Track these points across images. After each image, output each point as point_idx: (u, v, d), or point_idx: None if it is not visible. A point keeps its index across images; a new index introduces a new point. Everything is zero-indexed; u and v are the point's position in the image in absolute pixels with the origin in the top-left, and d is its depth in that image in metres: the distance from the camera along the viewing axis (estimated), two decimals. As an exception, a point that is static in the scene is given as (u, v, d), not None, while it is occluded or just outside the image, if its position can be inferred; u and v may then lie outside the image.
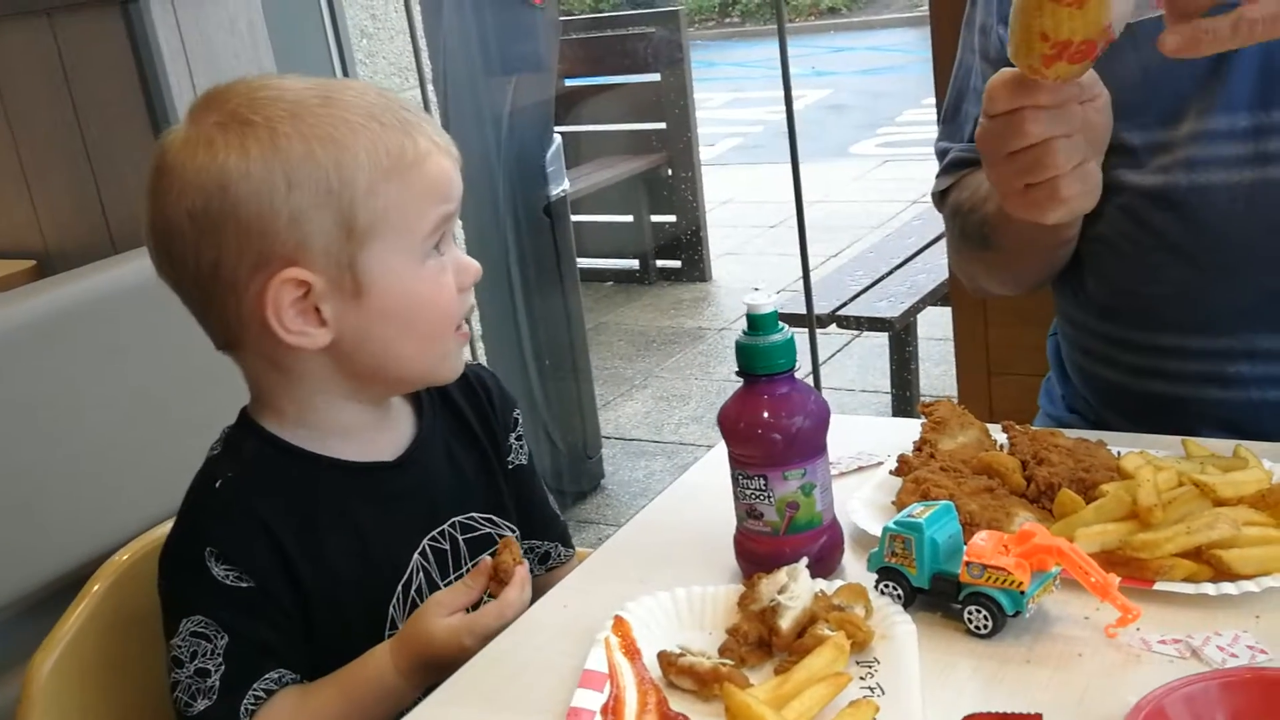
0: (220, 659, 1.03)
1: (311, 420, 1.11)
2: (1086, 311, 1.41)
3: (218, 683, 1.02)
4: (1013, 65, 1.03)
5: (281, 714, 1.03)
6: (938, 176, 1.48)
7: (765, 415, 1.01)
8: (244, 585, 1.04)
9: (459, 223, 2.94)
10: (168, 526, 1.20)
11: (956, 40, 1.49)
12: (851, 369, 4.42)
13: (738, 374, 1.03)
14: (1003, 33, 1.37)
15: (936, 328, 4.05)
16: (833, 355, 4.51)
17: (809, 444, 1.01)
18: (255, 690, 1.03)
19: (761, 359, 1.01)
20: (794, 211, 2.93)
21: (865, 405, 4.13)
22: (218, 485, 1.08)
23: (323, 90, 1.05)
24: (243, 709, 1.02)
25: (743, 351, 1.01)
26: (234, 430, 1.14)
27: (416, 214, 1.05)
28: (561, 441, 3.60)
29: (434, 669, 1.04)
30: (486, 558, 1.09)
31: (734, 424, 1.03)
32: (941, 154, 1.48)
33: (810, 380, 3.04)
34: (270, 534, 1.06)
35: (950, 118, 1.48)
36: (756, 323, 1.00)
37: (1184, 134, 1.23)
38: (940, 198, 1.48)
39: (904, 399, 3.45)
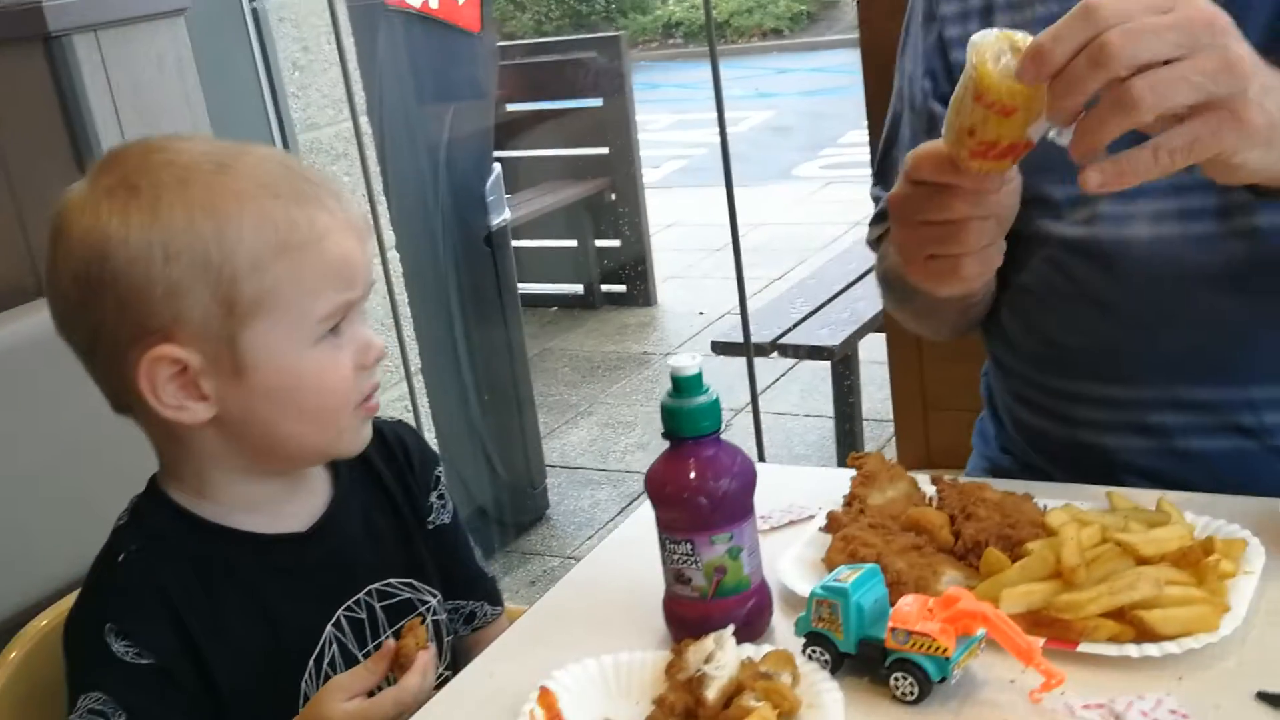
0: None
1: (212, 493, 1.08)
2: (1014, 358, 1.42)
3: None
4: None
5: None
6: (870, 225, 1.49)
7: (691, 478, 1.00)
8: (144, 663, 1.01)
9: (396, 256, 2.92)
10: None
11: (889, 69, 1.50)
12: (795, 394, 4.43)
13: (664, 436, 1.02)
14: (927, 85, 1.39)
15: (878, 351, 4.06)
16: (776, 380, 4.52)
17: (736, 507, 1.00)
18: None
19: (687, 422, 1.00)
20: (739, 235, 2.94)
21: (809, 429, 4.14)
22: (120, 560, 1.06)
23: (221, 157, 1.01)
24: None
25: (668, 414, 1.00)
26: (141, 499, 1.12)
27: (307, 296, 1.01)
28: (505, 472, 3.57)
29: None
30: (390, 640, 1.06)
31: (660, 488, 1.02)
32: (875, 199, 1.49)
33: (749, 409, 3.04)
34: (173, 610, 1.04)
35: (880, 165, 1.49)
36: (681, 385, 1.00)
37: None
38: (874, 245, 1.49)
39: (847, 428, 3.46)
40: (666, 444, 1.03)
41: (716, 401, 1.00)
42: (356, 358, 1.05)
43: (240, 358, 1.00)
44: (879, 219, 1.47)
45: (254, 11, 2.55)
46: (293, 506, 1.12)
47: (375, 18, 3.03)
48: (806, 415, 4.26)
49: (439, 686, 1.15)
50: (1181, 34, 0.88)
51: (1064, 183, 1.24)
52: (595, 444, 4.30)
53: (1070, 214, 1.28)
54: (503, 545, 3.56)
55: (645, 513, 1.29)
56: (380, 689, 1.05)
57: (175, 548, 1.07)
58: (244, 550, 1.08)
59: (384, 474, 1.20)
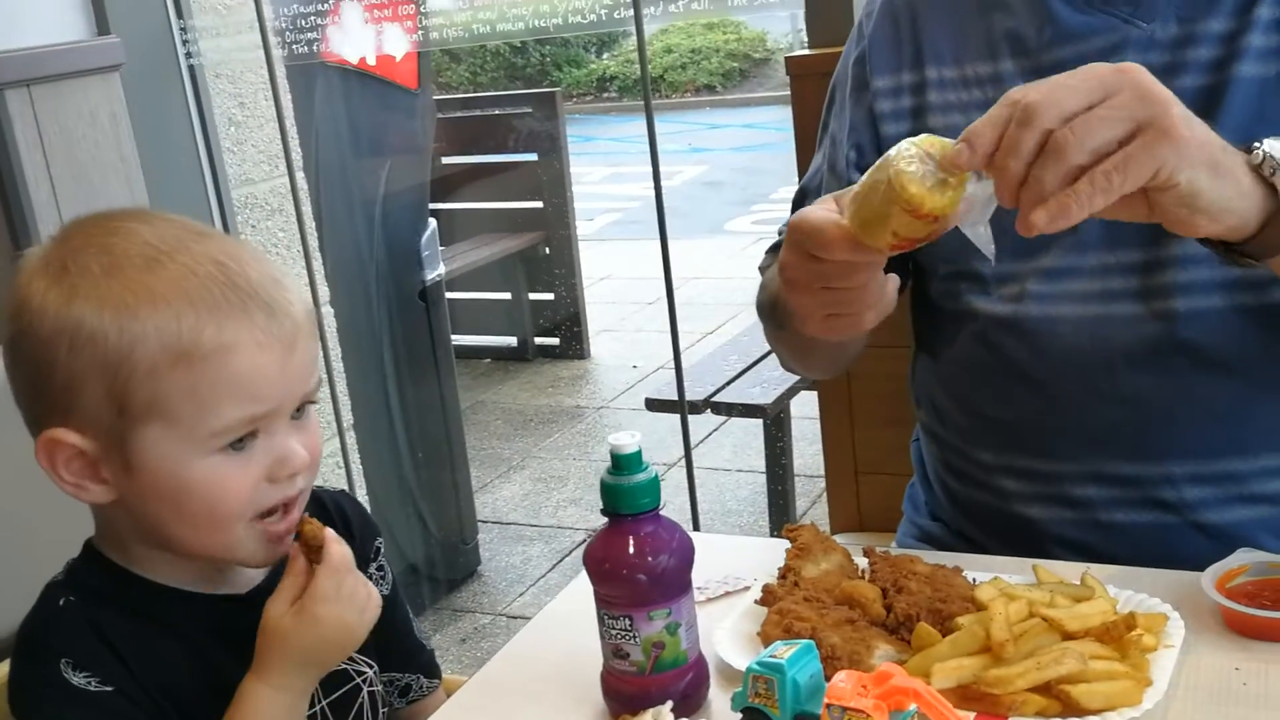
0: None
1: (144, 561, 1.08)
2: (943, 428, 1.45)
3: None
4: None
5: None
6: (765, 253, 1.52)
7: (630, 554, 1.01)
8: (107, 689, 1.01)
9: (330, 311, 2.90)
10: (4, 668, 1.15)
11: (817, 126, 1.53)
12: (727, 449, 4.46)
13: (603, 513, 1.03)
14: (852, 156, 1.42)
15: (810, 407, 4.11)
16: (709, 434, 4.55)
17: (674, 583, 1.02)
18: None
19: (626, 499, 1.01)
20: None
21: (741, 484, 4.17)
22: (61, 604, 1.05)
23: (159, 250, 0.99)
24: None
25: (607, 491, 1.02)
26: (76, 560, 1.11)
27: (202, 409, 0.98)
28: (436, 529, 3.55)
29: (303, 663, 1.03)
30: (294, 544, 1.04)
31: (599, 564, 1.03)
32: (780, 233, 1.52)
33: (684, 464, 3.06)
34: (117, 654, 1.03)
35: (794, 209, 1.50)
36: (621, 463, 1.01)
37: (1032, 268, 1.29)
38: (763, 272, 1.51)
39: (779, 488, 3.49)
40: (605, 519, 1.04)
41: (656, 478, 1.02)
42: (270, 470, 1.02)
43: (128, 457, 1.00)
44: (775, 249, 1.49)
45: (190, 67, 2.54)
46: (231, 573, 1.11)
47: (312, 74, 3.04)
48: (739, 470, 4.28)
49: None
50: (1094, 83, 0.94)
51: (993, 260, 1.28)
52: (528, 499, 4.28)
53: (998, 290, 1.32)
54: (433, 602, 3.53)
55: (582, 583, 1.30)
56: None
57: (113, 599, 1.06)
58: (182, 606, 1.08)
59: None
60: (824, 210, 1.06)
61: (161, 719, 1.04)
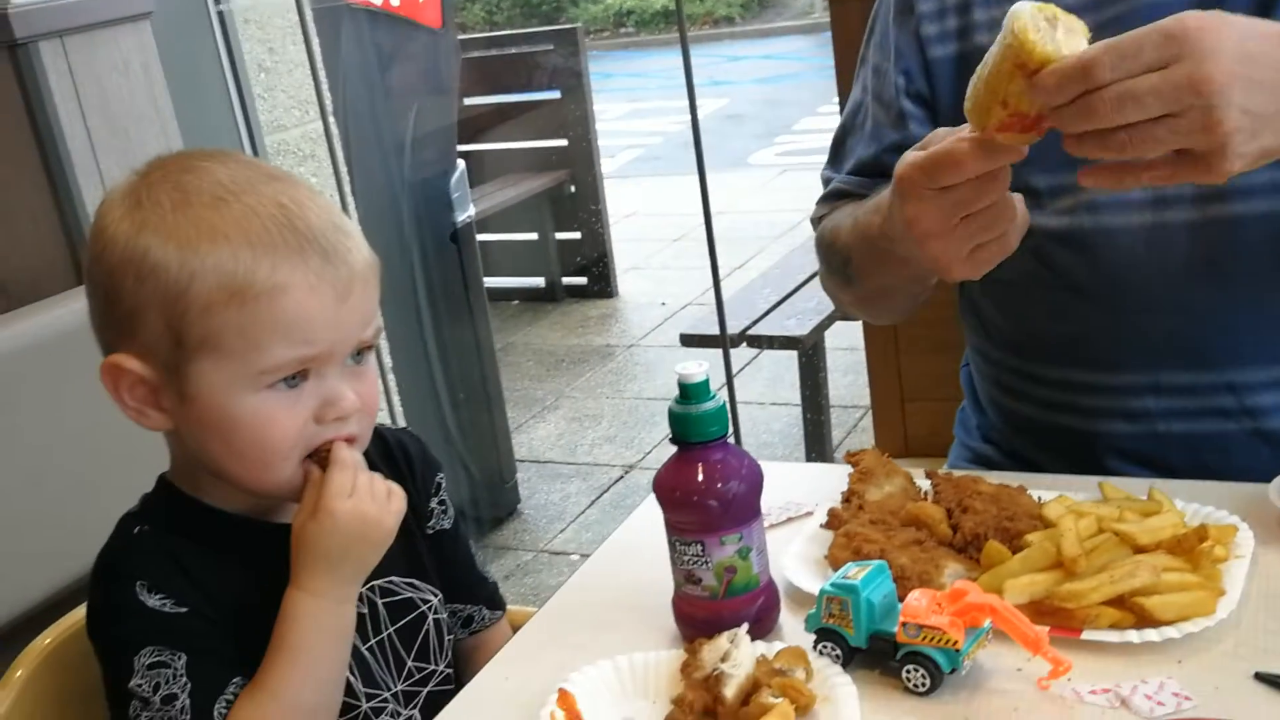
0: (184, 679, 1.01)
1: (214, 491, 1.10)
2: (995, 347, 1.45)
3: (187, 701, 1.01)
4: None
5: (241, 707, 1.02)
6: (817, 203, 1.51)
7: (700, 482, 1.02)
8: (182, 611, 1.04)
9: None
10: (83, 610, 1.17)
11: (857, 53, 1.51)
12: (761, 382, 4.47)
13: (672, 441, 1.04)
14: (900, 82, 1.41)
15: (844, 338, 4.12)
16: (741, 369, 4.55)
17: (744, 509, 1.03)
18: (225, 695, 1.02)
19: (695, 427, 1.02)
20: (697, 224, 2.94)
21: (776, 418, 4.18)
22: (135, 532, 1.09)
23: (227, 190, 1.01)
24: (216, 715, 1.01)
25: (676, 420, 1.02)
26: (151, 494, 1.14)
27: (252, 348, 1.00)
28: (477, 469, 3.58)
29: (335, 565, 1.04)
30: (308, 464, 1.05)
31: (670, 492, 1.03)
32: (825, 181, 1.51)
33: (726, 398, 3.07)
34: (191, 578, 1.06)
35: (835, 149, 1.51)
36: (689, 391, 1.01)
37: None
38: (816, 223, 1.50)
39: (816, 419, 3.50)
40: (674, 448, 1.04)
41: (724, 406, 1.02)
42: (317, 411, 1.03)
43: (183, 387, 1.02)
44: (828, 198, 1.48)
45: (219, 14, 2.53)
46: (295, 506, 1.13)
47: (339, 17, 3.01)
48: (773, 404, 4.29)
49: (441, 685, 1.17)
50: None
51: (1048, 172, 1.27)
52: (563, 438, 4.31)
53: (1052, 204, 1.30)
54: (476, 540, 3.57)
55: (641, 515, 1.31)
56: None
57: (187, 530, 1.09)
58: (250, 534, 1.10)
59: (387, 478, 1.21)
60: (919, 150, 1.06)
61: (235, 640, 1.06)
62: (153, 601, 1.03)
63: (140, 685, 1.02)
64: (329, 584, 1.04)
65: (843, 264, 1.38)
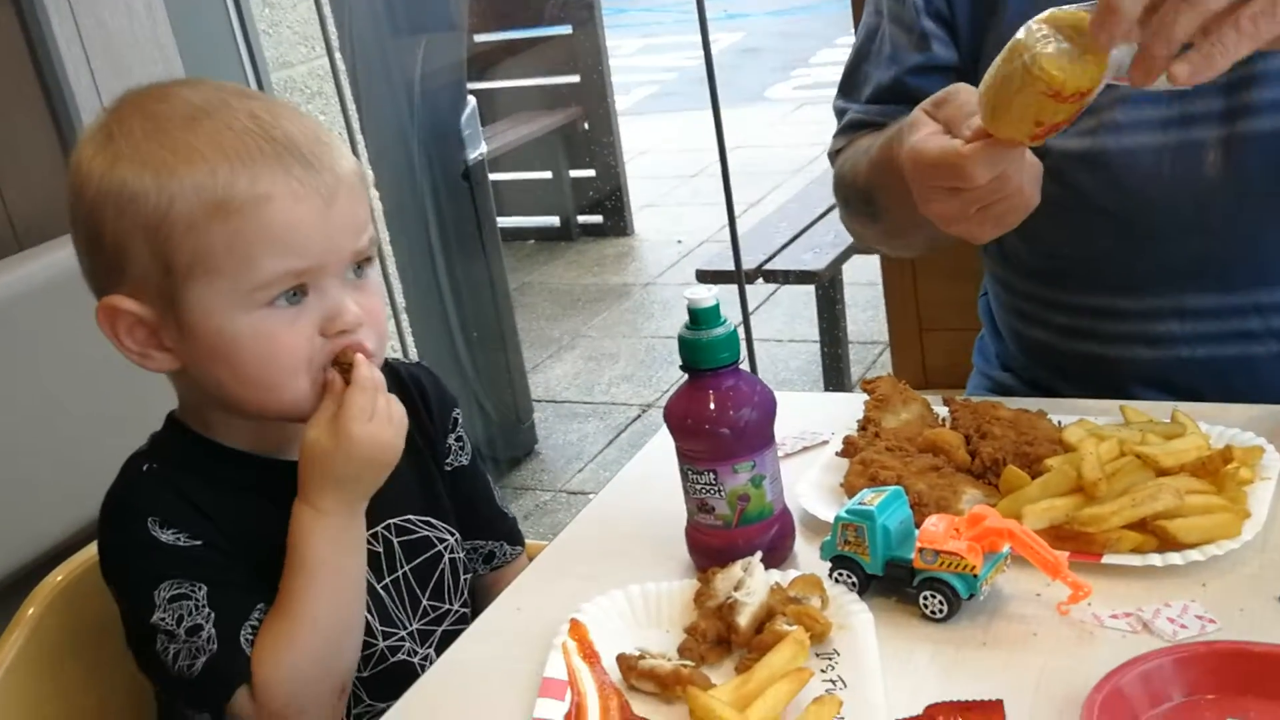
0: (207, 609, 1.01)
1: (223, 429, 1.09)
2: (1015, 273, 1.42)
3: (213, 630, 1.01)
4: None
5: (266, 629, 1.02)
6: (834, 136, 1.47)
7: (712, 410, 1.00)
8: (197, 543, 1.03)
9: (375, 195, 2.88)
10: (94, 549, 1.17)
11: None
12: (779, 319, 4.43)
13: (682, 369, 1.02)
14: (919, 2, 1.36)
15: (861, 273, 4.07)
16: (758, 307, 4.52)
17: (757, 436, 1.01)
18: (251, 621, 1.02)
19: (705, 354, 0.99)
20: (713, 160, 2.90)
21: (794, 355, 4.15)
22: (144, 469, 1.08)
23: (199, 110, 0.99)
24: (242, 641, 1.01)
25: (686, 346, 1.00)
26: (160, 433, 1.13)
27: (243, 262, 0.97)
28: (493, 410, 3.57)
29: (345, 483, 1.03)
30: (329, 369, 1.03)
31: (681, 420, 1.02)
32: (839, 113, 1.46)
33: (742, 335, 3.05)
34: (202, 511, 1.05)
35: (849, 79, 1.46)
36: (699, 317, 0.99)
37: (1108, 98, 1.23)
38: (834, 157, 1.46)
39: (834, 353, 3.47)
40: (685, 376, 1.02)
41: (735, 332, 1.00)
42: (321, 325, 1.01)
43: (181, 317, 1.00)
44: (845, 130, 1.44)
45: (221, -51, 2.48)
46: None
47: (343, -50, 2.96)
48: (790, 340, 4.26)
49: (456, 624, 1.16)
50: None
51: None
52: (580, 377, 4.30)
53: (1074, 124, 1.27)
54: (494, 482, 3.56)
55: (654, 447, 1.30)
56: None
57: (196, 468, 1.08)
58: (263, 472, 1.09)
59: None
60: (934, 136, 1.02)
61: (250, 570, 1.06)
62: (166, 536, 1.03)
63: (164, 619, 1.01)
64: (338, 503, 1.03)
65: (863, 202, 1.34)
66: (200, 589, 1.02)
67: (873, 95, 1.40)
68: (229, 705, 1.01)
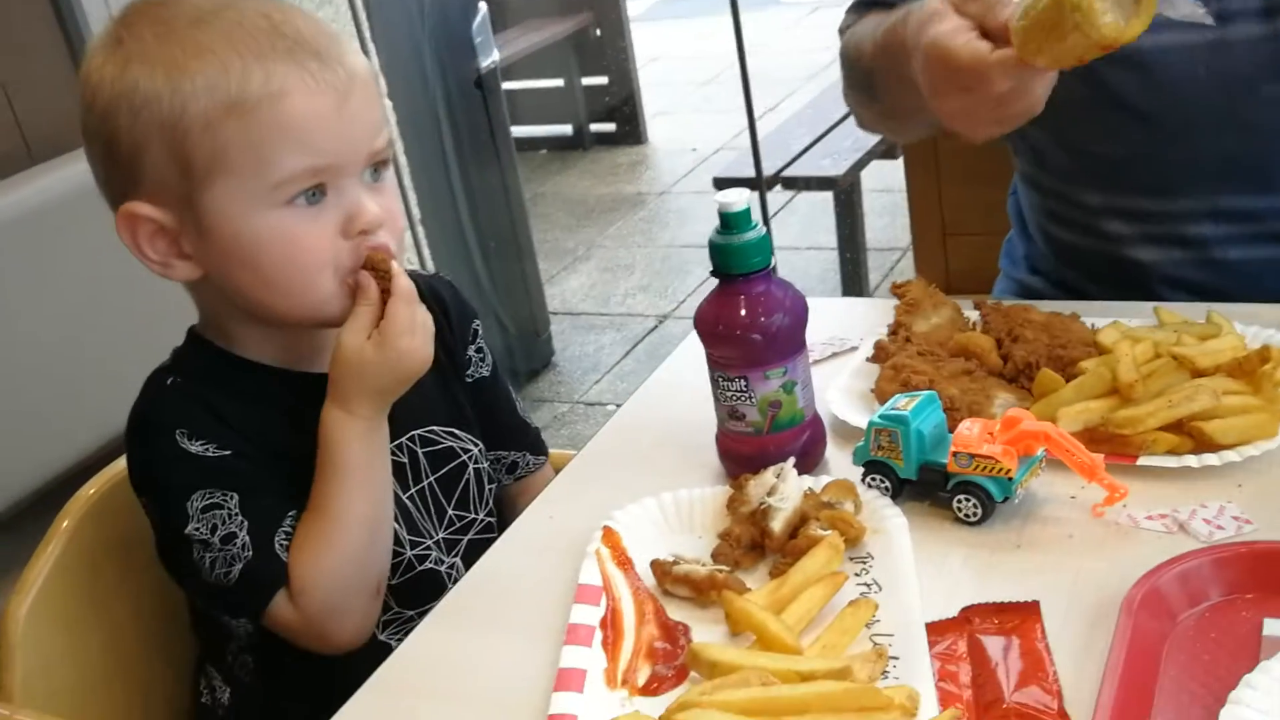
0: (240, 517, 1.01)
1: (241, 342, 1.08)
2: (1046, 175, 1.40)
3: (247, 537, 1.01)
4: None
5: (301, 533, 1.02)
6: (846, 12, 1.43)
7: (743, 316, 0.99)
8: (226, 454, 1.03)
9: (389, 104, 2.84)
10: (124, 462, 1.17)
11: None
12: (795, 226, 4.40)
13: (713, 274, 1.00)
14: None
15: (878, 180, 4.02)
16: (774, 215, 4.48)
17: (789, 342, 1.00)
18: (284, 527, 1.03)
19: (737, 258, 0.98)
20: (726, 66, 2.85)
21: (812, 263, 4.12)
22: (169, 383, 1.07)
23: (207, 9, 0.97)
24: (277, 547, 1.01)
25: (717, 251, 0.99)
26: (182, 347, 1.13)
27: (262, 159, 0.96)
28: (510, 322, 3.57)
29: (379, 390, 1.03)
30: (362, 272, 1.02)
31: (712, 326, 1.01)
32: None
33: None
34: (228, 423, 1.05)
35: None
36: (730, 221, 0.97)
37: None
38: (844, 34, 1.43)
39: (852, 258, 3.45)
40: (715, 281, 1.01)
41: (766, 236, 0.99)
42: (342, 225, 1.00)
43: (201, 219, 0.99)
44: (856, 7, 1.41)
45: None
46: (330, 352, 1.11)
47: None
48: (807, 248, 4.23)
49: (482, 533, 1.17)
50: None
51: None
52: (596, 288, 4.28)
53: None
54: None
55: (681, 354, 1.29)
56: None
57: (220, 382, 1.07)
58: (286, 385, 1.09)
59: None
60: (961, 33, 0.99)
61: (279, 479, 1.06)
62: (195, 448, 1.03)
63: (198, 529, 1.02)
64: (372, 409, 1.04)
65: (865, 80, 1.33)
66: (232, 498, 1.02)
67: None
68: (267, 611, 1.02)
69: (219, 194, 0.97)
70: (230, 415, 1.05)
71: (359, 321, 1.01)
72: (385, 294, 1.01)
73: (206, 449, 1.03)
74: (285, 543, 1.02)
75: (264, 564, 1.01)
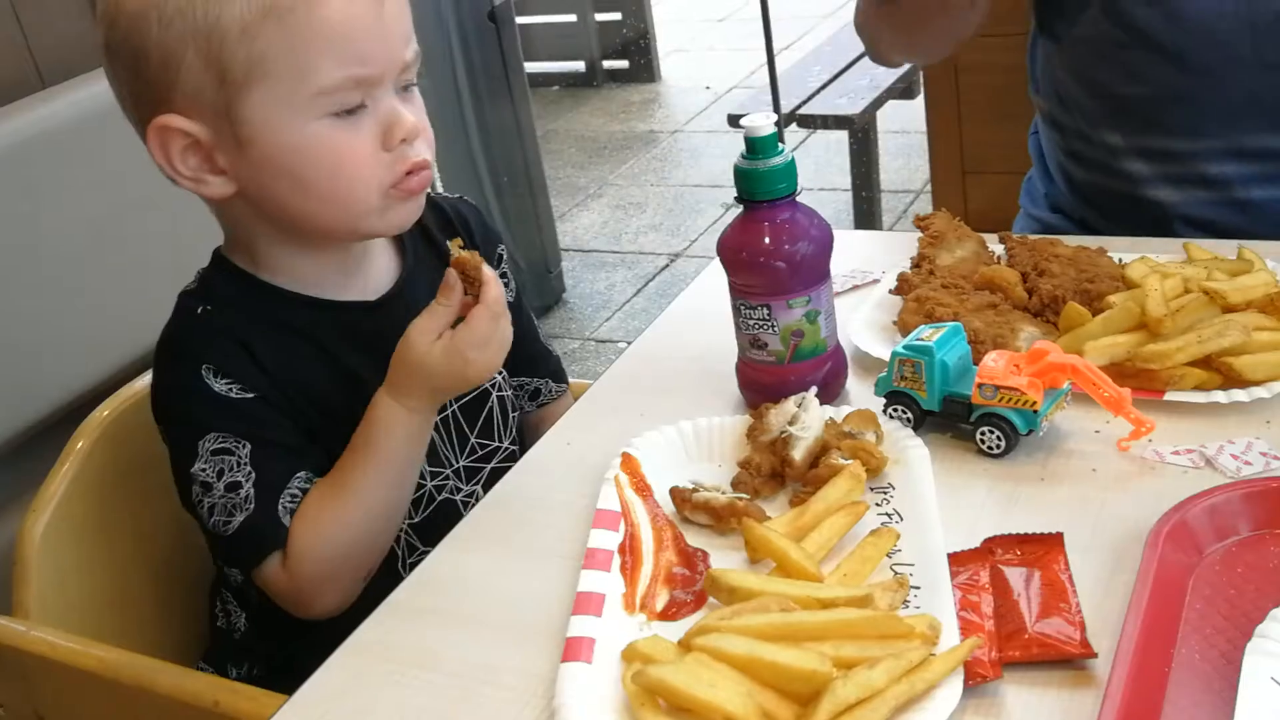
0: (249, 467, 1.00)
1: (269, 264, 1.06)
2: (1068, 113, 1.38)
3: (251, 490, 1.00)
4: None
5: (314, 502, 1.01)
6: None
7: (767, 243, 0.97)
8: (249, 396, 1.02)
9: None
10: (146, 379, 1.17)
11: None
12: (809, 167, 4.35)
13: (737, 200, 0.99)
14: None
15: (894, 121, 3.97)
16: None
17: (813, 271, 0.98)
18: (291, 489, 1.01)
19: (763, 184, 0.96)
20: (741, 4, 2.81)
21: (825, 204, 4.09)
22: (199, 312, 1.05)
23: None
24: (281, 508, 1.00)
25: (742, 177, 0.97)
26: (208, 270, 1.10)
27: (302, 65, 0.93)
28: (522, 258, 3.55)
29: (439, 393, 1.03)
30: (450, 270, 1.01)
31: (735, 253, 0.99)
32: None
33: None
34: (257, 360, 1.03)
35: None
36: (755, 146, 0.96)
37: None
38: None
39: (866, 198, 3.42)
40: (740, 208, 0.99)
41: (792, 162, 0.97)
42: (382, 137, 0.98)
43: (239, 130, 0.96)
44: None
45: None
46: (359, 278, 1.10)
47: None
48: (820, 189, 4.19)
49: (505, 461, 1.17)
50: None
51: None
52: (607, 226, 4.25)
53: None
54: (527, 325, 3.57)
55: (700, 284, 1.28)
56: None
57: (249, 307, 1.06)
58: (315, 313, 1.07)
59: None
60: None
61: (302, 420, 1.05)
62: (219, 386, 1.01)
63: (204, 470, 1.01)
64: (427, 405, 1.03)
65: None
66: (244, 446, 1.01)
67: None
68: (258, 569, 1.01)
69: (258, 103, 0.95)
70: (258, 348, 1.03)
71: (433, 321, 1.00)
72: (475, 299, 0.99)
73: (230, 388, 1.01)
74: (291, 506, 1.01)
75: (265, 522, 1.00)
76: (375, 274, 1.11)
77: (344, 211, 1.00)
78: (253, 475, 1.00)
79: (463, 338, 0.99)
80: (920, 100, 2.98)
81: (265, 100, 0.95)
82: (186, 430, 1.03)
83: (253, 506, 1.00)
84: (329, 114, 0.96)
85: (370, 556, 1.04)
